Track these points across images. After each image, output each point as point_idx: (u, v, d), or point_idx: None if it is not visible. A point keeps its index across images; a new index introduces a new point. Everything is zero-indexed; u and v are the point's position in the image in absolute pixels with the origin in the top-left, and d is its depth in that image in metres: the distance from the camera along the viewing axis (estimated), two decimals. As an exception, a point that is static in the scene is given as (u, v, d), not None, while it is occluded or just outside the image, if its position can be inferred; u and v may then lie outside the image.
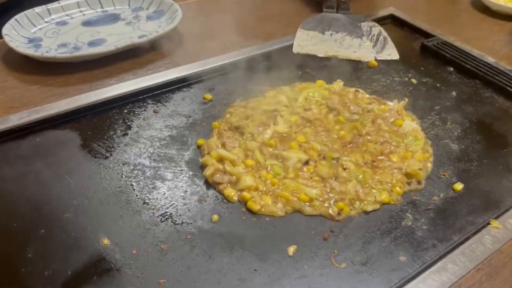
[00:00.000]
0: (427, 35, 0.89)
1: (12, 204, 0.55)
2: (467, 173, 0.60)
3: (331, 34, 0.87)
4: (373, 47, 0.84)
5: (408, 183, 0.58)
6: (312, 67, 0.80)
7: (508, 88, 0.74)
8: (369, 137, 0.63)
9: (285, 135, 0.63)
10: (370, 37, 0.86)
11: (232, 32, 0.90)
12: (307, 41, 0.85)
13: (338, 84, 0.75)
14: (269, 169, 0.58)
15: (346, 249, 0.50)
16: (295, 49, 0.83)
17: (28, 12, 0.85)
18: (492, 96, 0.75)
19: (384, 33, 0.87)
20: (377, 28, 0.89)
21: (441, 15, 1.00)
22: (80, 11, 0.91)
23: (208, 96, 0.73)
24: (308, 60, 0.81)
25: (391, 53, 0.84)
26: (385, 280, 0.47)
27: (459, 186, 0.58)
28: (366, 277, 0.47)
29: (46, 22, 0.87)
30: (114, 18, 0.91)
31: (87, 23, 0.89)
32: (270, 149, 0.61)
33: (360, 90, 0.74)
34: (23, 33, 0.82)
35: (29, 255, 0.48)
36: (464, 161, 0.62)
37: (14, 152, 0.62)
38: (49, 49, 0.80)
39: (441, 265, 0.48)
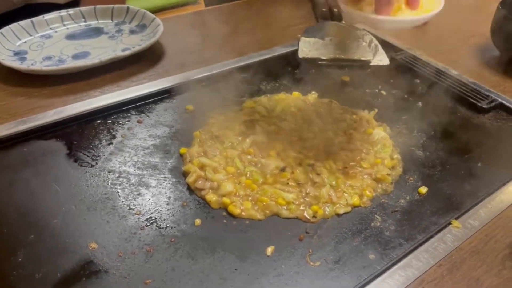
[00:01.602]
0: (396, 49, 0.94)
1: (1, 211, 0.56)
2: (431, 178, 0.64)
3: (330, 39, 0.92)
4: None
5: (377, 188, 0.62)
6: (288, 80, 0.84)
7: (470, 99, 0.80)
8: (341, 145, 0.68)
9: (263, 143, 0.67)
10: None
11: (212, 45, 0.93)
12: (310, 47, 0.89)
13: (313, 96, 0.79)
14: (248, 175, 0.62)
15: (320, 249, 0.53)
16: (300, 54, 0.87)
17: (13, 25, 0.87)
18: (455, 106, 0.80)
19: (375, 41, 0.92)
20: (368, 36, 0.94)
21: (409, 30, 1.05)
22: (64, 25, 0.93)
23: (190, 107, 0.76)
24: (284, 73, 0.85)
25: (382, 59, 0.88)
26: (356, 277, 0.50)
27: (423, 189, 0.62)
28: (338, 274, 0.51)
29: (30, 35, 0.89)
30: (97, 31, 0.94)
31: (70, 37, 0.91)
32: (249, 157, 0.64)
33: (333, 101, 0.78)
34: (8, 46, 0.84)
35: (19, 259, 0.50)
36: (429, 166, 0.66)
37: (2, 161, 0.64)
38: (34, 62, 0.82)
39: (406, 261, 0.52)
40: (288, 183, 0.61)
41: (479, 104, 0.78)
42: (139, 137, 0.69)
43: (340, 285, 0.50)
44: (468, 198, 0.61)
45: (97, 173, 0.62)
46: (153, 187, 0.61)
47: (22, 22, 0.89)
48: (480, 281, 0.51)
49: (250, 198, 0.59)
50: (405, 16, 0.65)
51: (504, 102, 0.79)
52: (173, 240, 0.54)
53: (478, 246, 0.55)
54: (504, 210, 0.59)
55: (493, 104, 0.79)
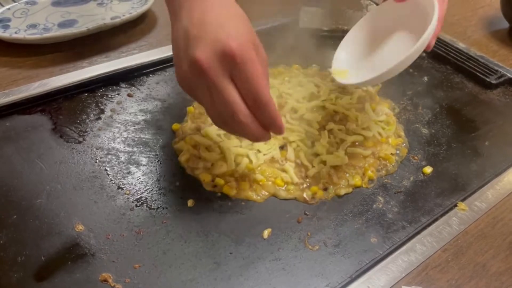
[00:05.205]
0: (401, 20, 0.90)
1: (-18, 190, 0.54)
2: (437, 157, 0.62)
3: (332, 9, 0.88)
4: None
5: (380, 167, 0.59)
6: (288, 51, 0.79)
7: (478, 73, 0.76)
8: (342, 122, 0.64)
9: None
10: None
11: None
12: (311, 17, 0.86)
13: (314, 69, 0.75)
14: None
15: (319, 232, 0.51)
16: (302, 25, 0.84)
17: (-6, -10, 0.83)
18: (462, 81, 0.76)
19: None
20: (372, 6, 0.90)
21: None
22: (50, -10, 0.89)
23: (183, 79, 0.72)
24: (284, 44, 0.80)
25: None
26: (357, 261, 0.48)
27: (428, 169, 0.59)
28: (338, 258, 0.48)
29: (14, 1, 0.85)
30: (85, -2, 0.89)
31: (56, 3, 0.87)
32: (246, 134, 0.61)
33: (335, 74, 0.74)
34: (-10, 13, 0.80)
35: (1, 242, 0.48)
36: (434, 145, 0.63)
37: (-17, 136, 0.60)
38: (18, 30, 0.78)
39: (410, 245, 0.50)
40: (286, 163, 0.58)
41: (487, 79, 0.75)
42: (129, 111, 0.66)
43: (340, 270, 0.47)
44: (475, 179, 0.58)
45: (84, 150, 0.59)
46: (143, 165, 0.58)
47: (5, -13, 0.84)
48: (486, 266, 0.48)
49: (246, 179, 0.56)
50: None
51: (513, 77, 0.75)
52: (164, 221, 0.51)
53: (485, 230, 0.52)
54: (512, 192, 0.56)
55: (502, 79, 0.75)
